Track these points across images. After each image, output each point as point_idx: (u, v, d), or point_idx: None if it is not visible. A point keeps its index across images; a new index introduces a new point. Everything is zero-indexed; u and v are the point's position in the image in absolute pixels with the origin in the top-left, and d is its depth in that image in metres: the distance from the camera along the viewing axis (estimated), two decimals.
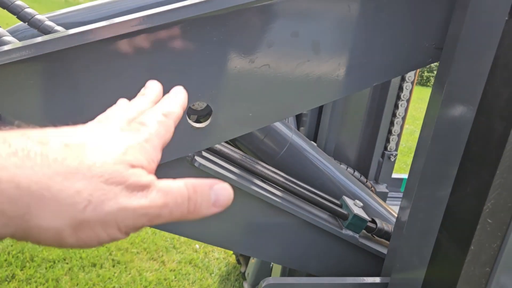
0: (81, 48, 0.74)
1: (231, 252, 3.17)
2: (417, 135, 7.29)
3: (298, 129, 1.75)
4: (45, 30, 1.05)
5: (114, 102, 0.81)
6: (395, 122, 1.64)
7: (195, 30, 0.79)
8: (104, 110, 0.80)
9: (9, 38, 0.88)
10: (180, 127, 0.86)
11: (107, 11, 1.26)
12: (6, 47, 0.75)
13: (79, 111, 0.80)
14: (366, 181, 1.54)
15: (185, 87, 0.83)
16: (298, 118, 1.76)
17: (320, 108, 1.66)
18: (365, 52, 0.87)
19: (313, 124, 1.69)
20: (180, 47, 0.81)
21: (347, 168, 1.50)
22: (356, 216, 1.09)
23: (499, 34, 0.72)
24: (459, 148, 0.80)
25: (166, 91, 0.82)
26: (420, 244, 0.89)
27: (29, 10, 1.09)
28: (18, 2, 1.06)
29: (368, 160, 1.66)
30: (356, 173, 1.51)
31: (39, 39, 0.76)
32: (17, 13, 1.06)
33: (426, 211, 0.87)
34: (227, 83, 0.85)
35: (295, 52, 0.85)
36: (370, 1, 0.84)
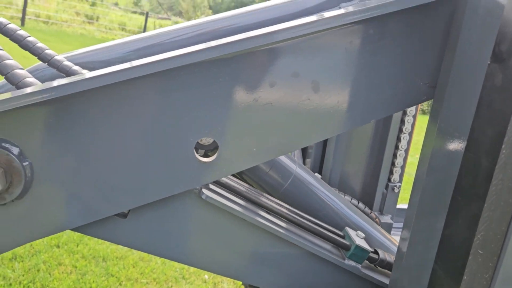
0: (96, 91, 0.81)
1: (240, 283, 3.18)
2: None
3: (304, 160, 1.80)
4: (63, 70, 1.13)
5: (129, 140, 0.87)
6: (398, 155, 1.68)
7: (203, 72, 0.85)
8: (120, 148, 0.87)
9: (31, 79, 0.95)
10: (188, 161, 0.92)
11: (121, 51, 1.33)
12: (29, 89, 0.82)
13: (98, 148, 0.86)
14: (371, 212, 1.58)
15: (192, 123, 0.89)
16: (304, 150, 1.81)
17: (325, 141, 1.71)
18: (363, 91, 0.93)
19: (318, 156, 1.74)
20: (188, 87, 0.87)
21: (351, 199, 1.54)
22: (358, 247, 1.13)
23: (482, 76, 0.77)
24: (451, 182, 0.84)
25: (176, 126, 0.88)
26: (419, 275, 0.92)
27: (48, 51, 1.17)
28: (39, 44, 1.14)
29: (373, 192, 1.70)
30: (361, 204, 1.55)
31: (61, 81, 0.83)
32: (38, 54, 1.15)
33: (423, 242, 0.91)
34: (232, 120, 0.91)
35: (296, 91, 0.91)
36: (366, 44, 0.90)
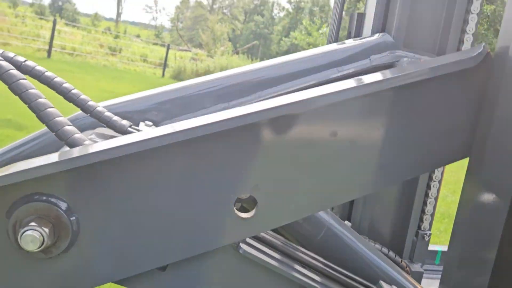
0: (142, 153, 0.85)
1: None
2: (449, 199, 7.16)
3: (332, 207, 1.81)
4: (104, 121, 1.17)
5: (172, 197, 0.90)
6: (428, 202, 1.68)
7: (244, 134, 0.88)
8: (163, 205, 0.90)
9: (78, 135, 0.98)
10: (228, 217, 0.94)
11: (157, 101, 1.38)
12: (77, 153, 0.85)
13: (142, 205, 0.89)
14: (401, 261, 1.57)
15: (234, 182, 0.92)
16: None
17: None
18: (400, 151, 0.95)
19: (347, 203, 1.75)
20: (230, 149, 0.90)
21: (381, 247, 1.53)
22: None
23: None
24: (497, 234, 0.84)
25: (218, 184, 0.91)
26: None
27: (91, 103, 1.22)
28: (82, 96, 1.19)
29: (403, 240, 1.69)
30: (391, 253, 1.54)
31: (108, 144, 0.87)
32: (82, 106, 1.20)
33: None
34: (271, 178, 0.93)
35: (334, 150, 0.94)
36: (404, 108, 0.92)
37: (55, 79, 1.15)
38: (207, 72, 22.99)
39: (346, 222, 1.64)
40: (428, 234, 1.71)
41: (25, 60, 1.09)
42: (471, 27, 1.47)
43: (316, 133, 0.92)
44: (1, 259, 0.88)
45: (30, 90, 0.94)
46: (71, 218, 0.87)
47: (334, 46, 1.51)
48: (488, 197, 0.88)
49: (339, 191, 0.98)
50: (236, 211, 0.95)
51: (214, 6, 66.93)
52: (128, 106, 1.37)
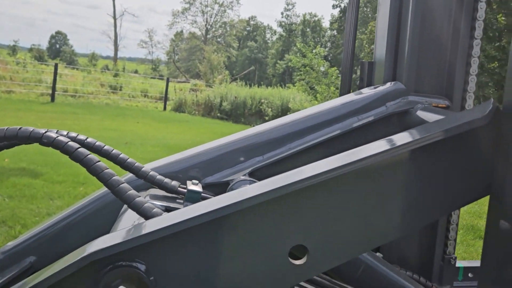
0: (218, 220, 0.99)
1: None
2: (462, 209, 7.22)
3: None
4: (157, 184, 1.32)
5: (240, 256, 1.04)
6: (450, 229, 1.81)
7: (299, 196, 1.03)
8: (232, 264, 1.03)
9: (154, 210, 1.12)
10: (284, 265, 1.07)
11: (199, 159, 1.54)
12: (158, 225, 1.00)
13: (213, 267, 1.03)
14: (432, 286, 1.69)
15: (289, 235, 1.05)
16: None
17: None
18: (427, 197, 1.09)
19: None
20: (284, 208, 1.04)
21: (412, 275, 1.66)
22: None
23: None
24: None
25: (276, 239, 1.04)
26: None
27: (144, 168, 1.38)
28: (137, 164, 1.34)
29: (431, 265, 1.81)
30: (422, 279, 1.67)
31: (178, 215, 1.01)
32: (137, 172, 1.34)
33: None
34: (321, 229, 1.07)
35: (374, 201, 1.08)
36: (427, 161, 1.07)
37: (113, 152, 1.31)
38: (207, 102, 23.30)
39: (379, 254, 1.76)
40: (453, 258, 1.84)
41: (87, 138, 1.25)
42: (473, 69, 1.63)
43: (359, 188, 1.07)
44: None
45: (106, 171, 1.09)
46: (150, 279, 1.01)
47: (351, 96, 1.67)
48: None
49: (378, 235, 1.12)
50: (291, 260, 1.09)
51: (208, 36, 68.03)
52: (173, 166, 1.52)
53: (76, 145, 1.10)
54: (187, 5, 68.71)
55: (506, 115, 1.03)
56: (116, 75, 30.96)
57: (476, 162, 1.10)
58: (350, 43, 1.99)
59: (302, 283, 1.21)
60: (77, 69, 35.34)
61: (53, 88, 20.86)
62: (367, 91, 1.67)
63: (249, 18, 79.29)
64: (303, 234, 1.07)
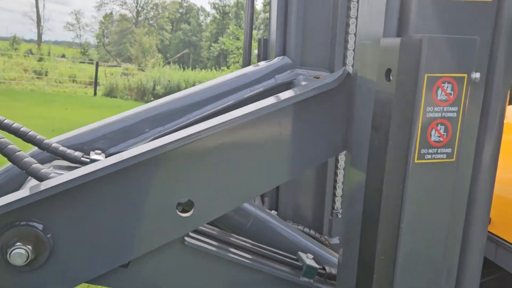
0: (100, 179, 1.11)
1: None
2: None
3: (262, 200, 2.14)
4: (60, 155, 1.42)
5: (128, 208, 1.17)
6: (337, 186, 2.05)
7: (177, 155, 1.17)
8: (122, 214, 1.18)
9: (44, 171, 1.22)
10: (171, 218, 1.22)
11: (103, 131, 1.64)
12: (50, 184, 1.10)
13: (104, 219, 1.15)
14: (321, 237, 1.91)
15: (174, 191, 1.20)
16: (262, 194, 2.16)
17: None
18: (296, 151, 1.28)
19: (274, 195, 2.09)
20: (169, 166, 1.19)
21: (303, 228, 1.87)
22: (308, 266, 1.46)
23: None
24: (371, 207, 1.18)
25: (162, 194, 1.19)
26: (349, 280, 1.26)
27: (46, 141, 1.46)
28: (39, 137, 1.43)
29: (321, 219, 2.05)
30: (312, 231, 1.89)
31: (73, 174, 1.13)
32: (39, 144, 1.43)
33: (349, 255, 1.25)
34: (202, 184, 1.23)
35: (247, 157, 1.25)
36: (293, 119, 1.25)
37: (13, 125, 1.39)
38: (140, 86, 22.79)
39: (274, 212, 1.96)
40: (341, 212, 2.08)
41: None
42: (350, 45, 1.86)
43: (235, 145, 1.23)
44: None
45: (1, 140, 1.18)
46: (47, 236, 1.12)
47: (246, 69, 1.84)
48: (356, 180, 1.21)
49: (254, 186, 1.30)
50: (178, 212, 1.24)
51: (139, 18, 65.96)
52: (78, 139, 1.61)
53: None
54: None
55: (354, 79, 1.23)
56: (40, 60, 29.32)
57: (333, 121, 1.30)
58: (248, 21, 2.15)
59: (194, 234, 1.37)
60: None
61: None
62: (259, 66, 1.85)
63: (181, 0, 77.76)
64: (188, 189, 1.23)
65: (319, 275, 1.52)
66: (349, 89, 1.26)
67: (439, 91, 1.02)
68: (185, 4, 76.33)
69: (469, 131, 1.12)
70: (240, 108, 1.24)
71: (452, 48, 1.02)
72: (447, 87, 1.03)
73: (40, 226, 1.12)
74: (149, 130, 1.67)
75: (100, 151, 1.54)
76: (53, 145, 1.44)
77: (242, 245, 1.43)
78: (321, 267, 1.52)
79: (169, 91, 22.19)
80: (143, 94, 23.12)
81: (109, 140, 1.62)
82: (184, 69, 26.61)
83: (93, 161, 1.39)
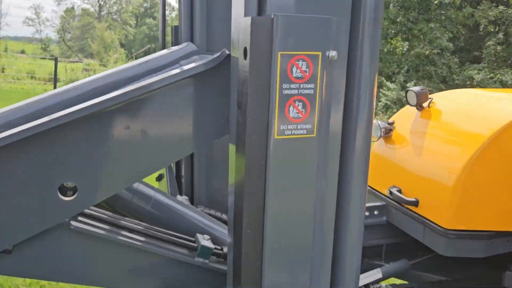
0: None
1: None
2: None
3: (179, 187, 2.16)
4: None
5: (8, 189, 1.15)
6: None
7: (63, 132, 1.17)
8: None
9: None
10: (53, 201, 1.22)
11: (13, 116, 1.61)
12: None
13: None
14: (222, 215, 1.94)
15: (56, 173, 1.20)
16: (179, 180, 2.17)
17: (192, 169, 2.08)
18: (180, 130, 1.29)
19: (189, 182, 2.11)
20: (53, 145, 1.18)
21: (215, 212, 1.90)
22: (203, 247, 1.48)
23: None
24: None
25: (43, 176, 1.18)
26: (231, 257, 1.29)
27: None
28: None
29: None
30: (224, 215, 1.91)
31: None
32: None
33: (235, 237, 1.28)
34: (83, 168, 1.23)
35: (129, 140, 1.26)
36: (183, 97, 1.26)
37: None
38: None
39: (184, 197, 1.98)
40: None
41: None
42: None
43: (111, 126, 1.24)
44: None
45: None
46: None
47: (149, 57, 1.84)
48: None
49: (142, 168, 1.31)
50: (60, 195, 1.24)
51: (102, 13, 64.57)
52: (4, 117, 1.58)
53: None
54: None
55: (232, 60, 1.26)
56: None
57: (215, 101, 1.32)
58: (162, 9, 2.15)
59: (83, 218, 1.37)
60: None
61: None
62: (165, 52, 1.85)
63: None
64: (69, 172, 1.23)
65: (216, 255, 1.54)
66: (228, 70, 1.29)
67: (294, 69, 1.06)
68: None
69: (331, 107, 1.16)
70: (118, 90, 1.25)
71: (306, 27, 1.05)
72: (302, 65, 1.06)
73: None
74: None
75: None
76: None
77: (135, 228, 1.44)
78: (218, 247, 1.55)
79: None
80: None
81: (11, 126, 1.60)
82: None
83: None
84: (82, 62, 33.08)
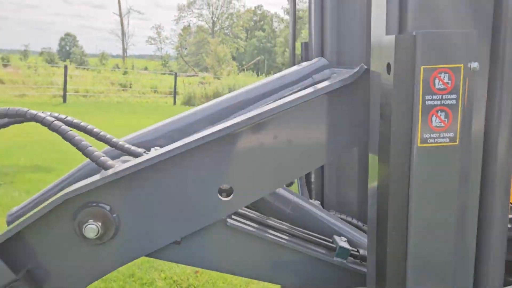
0: (156, 165, 1.34)
1: None
2: None
3: (310, 192, 2.30)
4: (126, 151, 1.67)
5: (178, 193, 1.38)
6: None
7: (221, 144, 1.37)
8: (173, 198, 1.40)
9: (110, 162, 1.48)
10: (213, 200, 1.42)
11: (164, 130, 1.89)
12: (111, 171, 1.35)
13: (161, 201, 1.38)
14: (363, 225, 2.02)
15: (215, 177, 1.40)
16: (309, 186, 2.31)
17: (323, 174, 2.20)
18: (325, 139, 1.42)
19: (319, 187, 2.23)
20: (211, 155, 1.39)
21: (346, 217, 2.00)
22: (341, 247, 1.59)
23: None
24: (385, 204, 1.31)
25: (205, 180, 1.40)
26: (373, 261, 1.38)
27: (115, 139, 1.73)
28: (108, 136, 1.70)
29: (365, 208, 2.14)
30: (354, 220, 2.00)
31: (132, 162, 1.37)
32: (108, 142, 1.70)
33: (378, 240, 1.38)
34: (240, 173, 1.42)
35: (278, 148, 1.42)
36: (323, 111, 1.40)
37: (88, 127, 1.67)
38: (216, 94, 23.66)
39: (317, 201, 2.11)
40: None
41: (66, 117, 1.60)
42: None
43: (265, 135, 1.40)
44: (71, 248, 1.38)
45: (76, 137, 1.46)
46: (113, 215, 1.36)
47: (286, 72, 2.01)
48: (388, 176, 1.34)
49: (286, 173, 1.46)
50: (219, 196, 1.44)
51: (215, 29, 68.23)
52: (141, 138, 1.87)
53: (52, 118, 1.46)
54: None
55: (371, 76, 1.37)
56: (125, 73, 31.40)
57: (353, 113, 1.43)
58: (292, 24, 2.32)
59: (236, 217, 1.57)
60: (87, 69, 35.91)
61: (64, 89, 21.36)
62: (298, 67, 2.01)
63: (255, 8, 79.19)
64: (228, 176, 1.43)
65: (353, 256, 1.64)
66: (366, 84, 1.39)
67: (436, 81, 1.14)
68: (258, 12, 77.75)
69: (473, 115, 1.21)
70: (272, 102, 1.42)
71: (447, 42, 1.12)
72: (444, 77, 1.14)
73: (107, 207, 1.36)
74: (203, 129, 1.90)
75: (159, 147, 1.79)
76: (119, 143, 1.71)
77: (280, 227, 1.60)
78: (354, 249, 1.65)
79: None
80: None
81: (168, 138, 1.87)
82: (258, 75, 27.10)
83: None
84: (197, 75, 35.20)
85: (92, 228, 1.31)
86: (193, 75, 36.52)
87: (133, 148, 1.70)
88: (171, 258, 1.54)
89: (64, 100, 21.09)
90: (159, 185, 1.39)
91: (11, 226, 1.31)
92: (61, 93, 21.88)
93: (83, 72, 31.71)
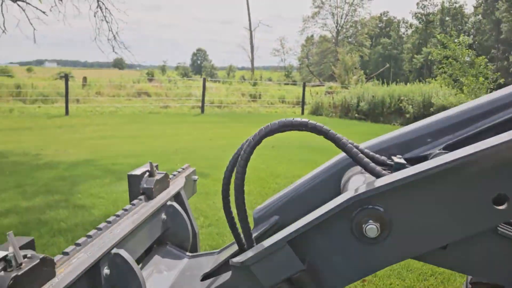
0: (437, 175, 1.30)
1: None
2: None
3: None
4: (369, 157, 1.65)
5: (455, 203, 1.33)
6: None
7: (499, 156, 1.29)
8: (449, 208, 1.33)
9: (379, 169, 1.47)
10: (486, 209, 1.34)
11: (388, 143, 1.85)
12: (388, 179, 1.34)
13: (434, 210, 1.34)
14: None
15: (490, 180, 1.32)
16: None
17: None
18: None
19: None
20: (488, 166, 1.31)
21: None
22: None
23: None
24: None
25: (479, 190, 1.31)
26: None
27: (360, 148, 1.70)
28: (355, 144, 1.69)
29: None
30: None
31: (411, 170, 1.35)
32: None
33: None
34: None
35: None
36: None
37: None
38: (344, 103, 23.37)
39: None
40: None
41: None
42: None
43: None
44: (345, 245, 1.40)
45: (349, 145, 1.47)
46: (387, 218, 1.36)
47: None
48: None
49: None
50: (494, 206, 1.35)
51: (339, 38, 67.79)
52: (376, 146, 1.85)
53: (328, 128, 1.50)
54: (316, 9, 69.38)
55: None
56: (254, 84, 32.67)
57: None
58: None
59: (505, 225, 1.47)
60: (218, 81, 38.10)
61: (203, 101, 22.84)
62: None
63: (381, 14, 77.09)
64: (503, 185, 1.34)
65: None
66: None
67: None
68: (384, 18, 75.48)
69: None
70: None
71: None
72: None
73: (381, 209, 1.37)
74: (438, 139, 1.82)
75: (400, 156, 1.75)
76: (365, 151, 1.69)
77: None
78: None
79: (373, 106, 22.18)
80: (347, 111, 23.59)
81: (401, 148, 1.83)
82: (385, 83, 26.21)
83: (397, 163, 1.60)
84: (323, 85, 35.22)
85: (372, 228, 1.32)
86: (319, 85, 36.62)
87: (376, 155, 1.68)
88: (437, 262, 1.49)
89: (202, 111, 22.57)
90: (434, 193, 1.34)
91: (301, 222, 1.37)
92: (198, 104, 23.46)
93: (215, 84, 33.74)
